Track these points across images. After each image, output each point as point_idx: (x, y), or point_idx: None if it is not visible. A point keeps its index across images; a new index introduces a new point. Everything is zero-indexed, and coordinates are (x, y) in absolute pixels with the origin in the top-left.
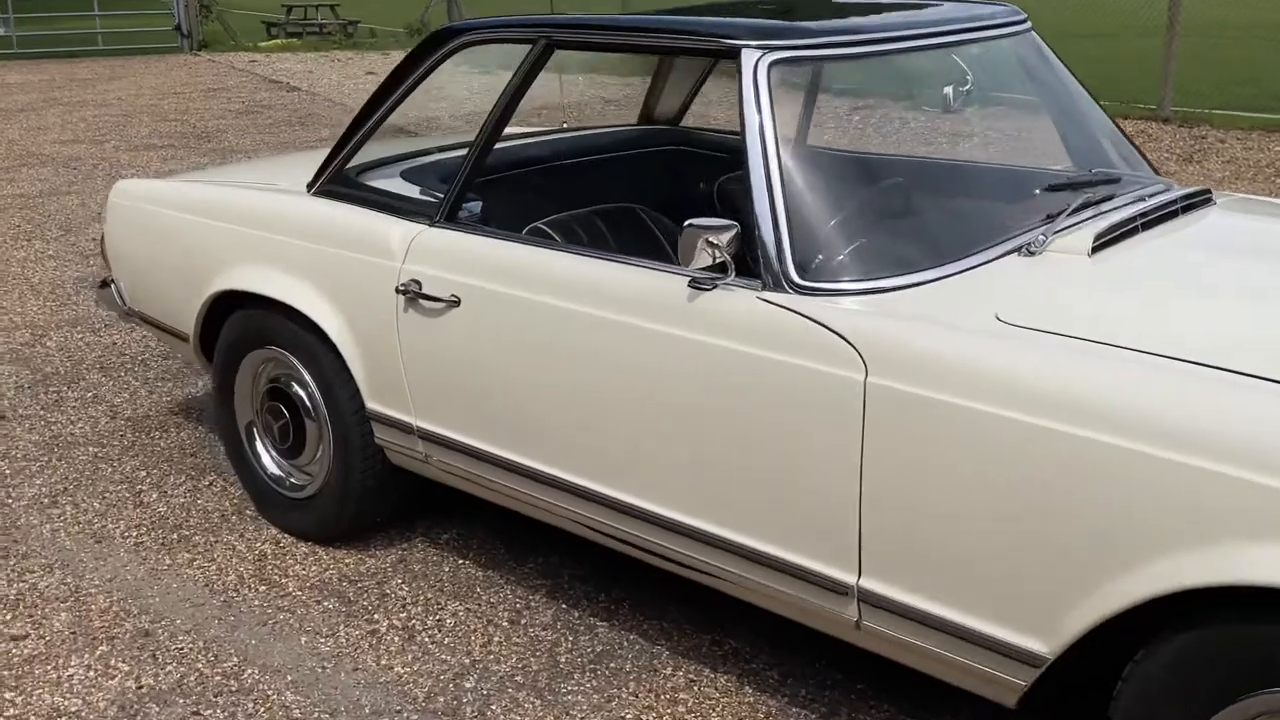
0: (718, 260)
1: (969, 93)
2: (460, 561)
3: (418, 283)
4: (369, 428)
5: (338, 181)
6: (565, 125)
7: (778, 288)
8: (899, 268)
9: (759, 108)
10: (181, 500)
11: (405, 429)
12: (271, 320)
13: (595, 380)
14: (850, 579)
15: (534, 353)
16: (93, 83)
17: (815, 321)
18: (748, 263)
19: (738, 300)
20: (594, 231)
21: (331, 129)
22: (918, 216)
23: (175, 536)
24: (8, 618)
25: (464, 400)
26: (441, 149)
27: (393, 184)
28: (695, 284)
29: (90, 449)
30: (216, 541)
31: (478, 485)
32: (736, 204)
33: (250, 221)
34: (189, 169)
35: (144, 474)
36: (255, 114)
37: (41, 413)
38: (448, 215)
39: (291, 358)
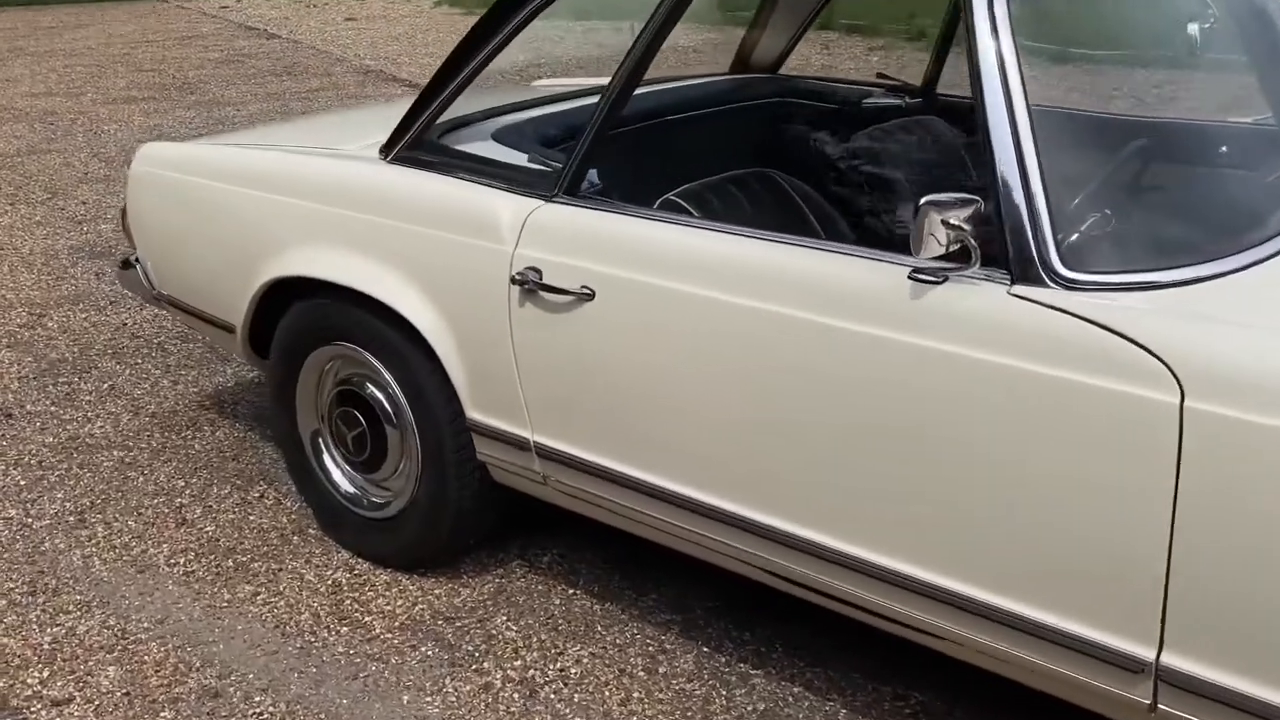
0: (952, 246)
1: (1212, 29)
2: (570, 591)
3: (537, 271)
4: (469, 440)
5: (421, 146)
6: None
7: (1034, 280)
8: (1178, 255)
9: (998, 44)
10: (231, 517)
11: (519, 445)
12: (344, 312)
13: (784, 395)
14: (1148, 654)
15: (697, 359)
16: (59, 31)
17: (1099, 325)
18: (980, 248)
19: (981, 296)
20: (731, 202)
21: (321, 79)
22: (1188, 190)
23: (231, 563)
24: (45, 674)
25: (599, 414)
26: (527, 104)
27: (486, 148)
28: (919, 276)
29: (115, 453)
30: (280, 569)
31: (612, 513)
32: (881, 169)
33: (317, 194)
34: (209, 131)
35: (181, 484)
36: (237, 63)
37: (53, 409)
38: (568, 187)
39: (370, 357)
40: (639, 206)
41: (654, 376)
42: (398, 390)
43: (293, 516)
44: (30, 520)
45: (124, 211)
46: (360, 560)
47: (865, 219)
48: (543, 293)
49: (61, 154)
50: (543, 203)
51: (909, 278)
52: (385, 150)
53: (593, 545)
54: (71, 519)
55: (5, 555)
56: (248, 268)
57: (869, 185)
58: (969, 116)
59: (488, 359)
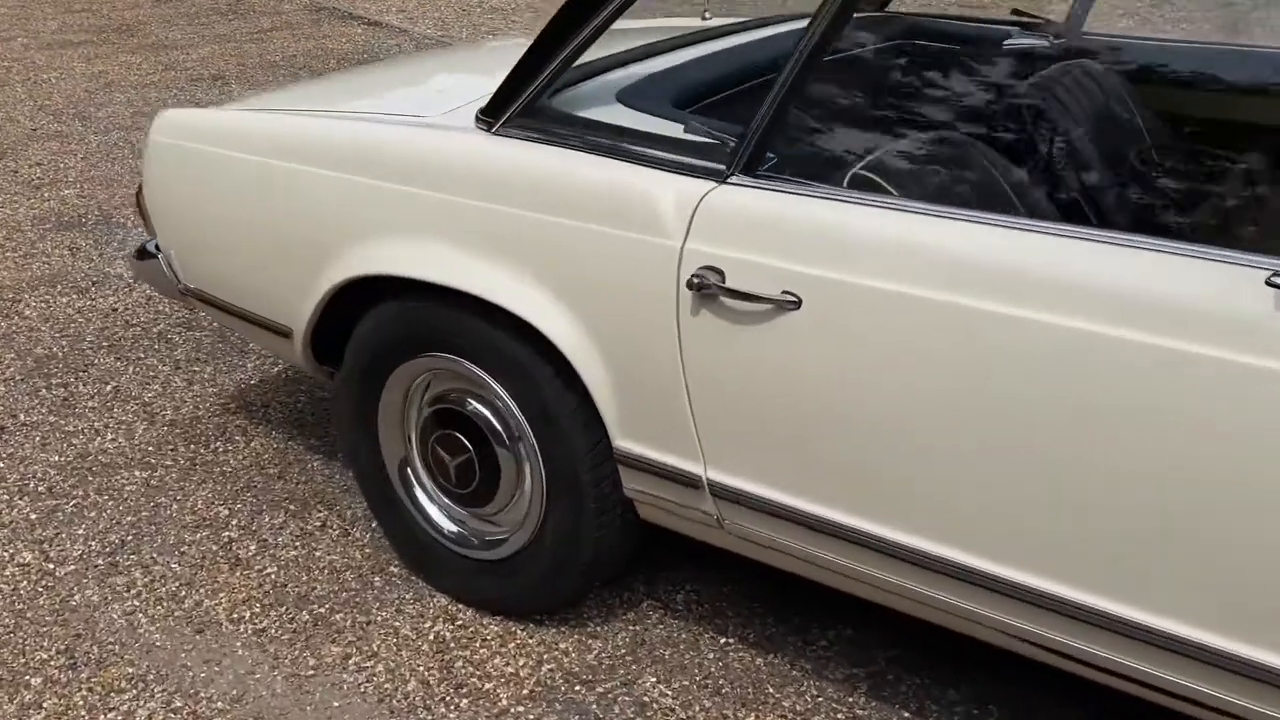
0: None
1: None
2: (722, 640)
3: (718, 272)
4: (612, 472)
5: (538, 114)
6: (707, 15)
7: None
8: None
9: None
10: (293, 553)
11: (686, 482)
12: (445, 318)
13: (1088, 441)
14: None
15: (945, 385)
16: None
17: None
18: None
19: None
20: (924, 175)
21: (271, 18)
22: None
23: (307, 616)
24: None
25: (805, 450)
26: (631, 56)
27: (618, 115)
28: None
29: (136, 473)
30: (368, 621)
31: (808, 564)
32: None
33: (412, 175)
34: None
35: (224, 511)
36: (175, 1)
37: (52, 419)
38: (746, 164)
39: (478, 371)
40: (828, 185)
41: (885, 404)
42: (516, 410)
43: (366, 550)
44: (52, 566)
45: (140, 191)
46: (460, 606)
47: (1058, 191)
48: (726, 299)
49: (1, 108)
50: (715, 184)
51: (1269, 283)
52: (488, 118)
53: (726, 576)
54: (101, 562)
55: (29, 614)
56: (314, 262)
57: (1051, 147)
58: (1126, 61)
59: (646, 378)
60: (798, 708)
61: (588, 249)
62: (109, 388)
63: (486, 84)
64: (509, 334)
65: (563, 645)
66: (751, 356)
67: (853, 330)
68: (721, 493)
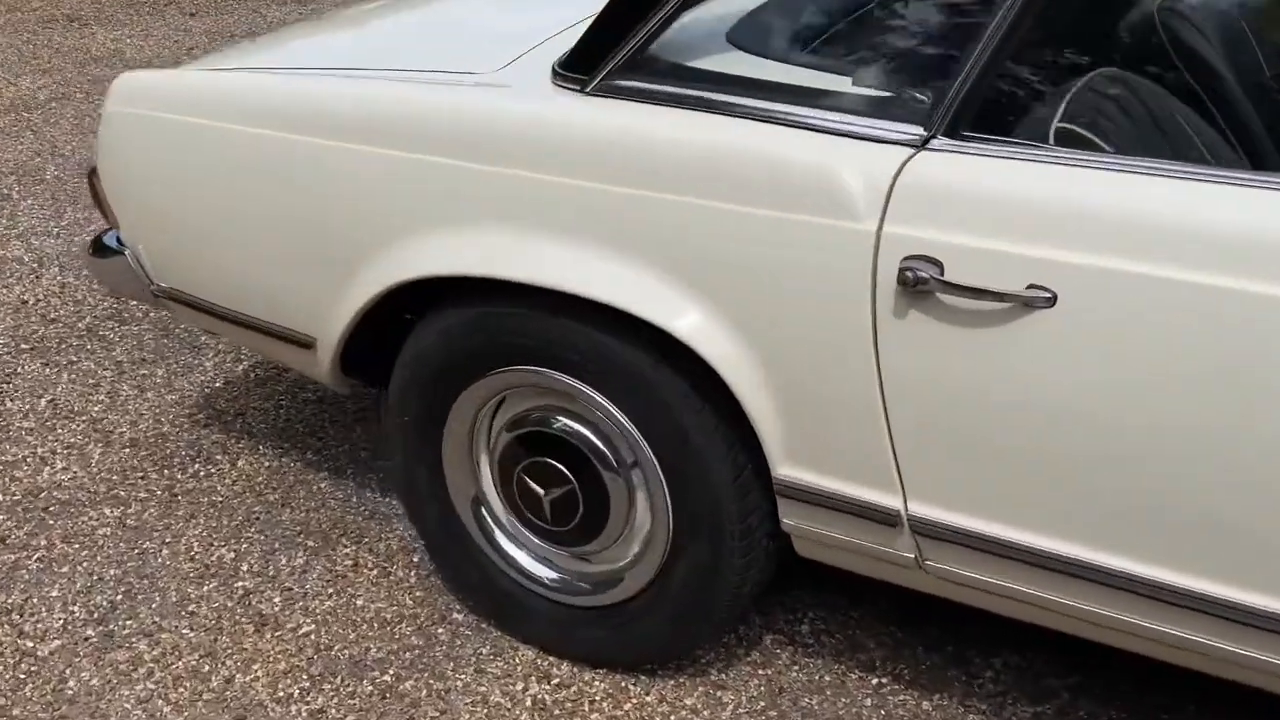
0: None
1: None
2: (876, 681)
3: (935, 263)
4: (762, 503)
5: (644, 68)
6: None
7: None
8: None
9: None
10: (328, 604)
11: (878, 517)
12: (543, 326)
13: None
14: None
15: (1261, 401)
16: None
17: None
18: None
19: None
20: (1127, 126)
21: None
22: None
23: (370, 688)
24: None
25: (1051, 477)
26: None
27: (741, 64)
28: None
29: (105, 511)
30: (446, 689)
31: (1039, 609)
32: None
33: (485, 151)
34: (184, 52)
35: (228, 554)
36: None
37: None
38: (951, 124)
39: (584, 388)
40: (1048, 147)
41: (1159, 419)
42: (633, 431)
43: (417, 594)
44: (31, 644)
45: (93, 173)
46: (553, 660)
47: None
48: (947, 295)
49: None
50: (912, 151)
51: None
52: (578, 75)
53: (848, 596)
54: (92, 634)
55: (17, 712)
56: (352, 260)
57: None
58: None
59: (826, 394)
60: None
61: (744, 239)
62: (44, 402)
63: (532, 28)
64: (629, 343)
65: (689, 702)
66: (982, 365)
67: (1123, 329)
68: (927, 530)
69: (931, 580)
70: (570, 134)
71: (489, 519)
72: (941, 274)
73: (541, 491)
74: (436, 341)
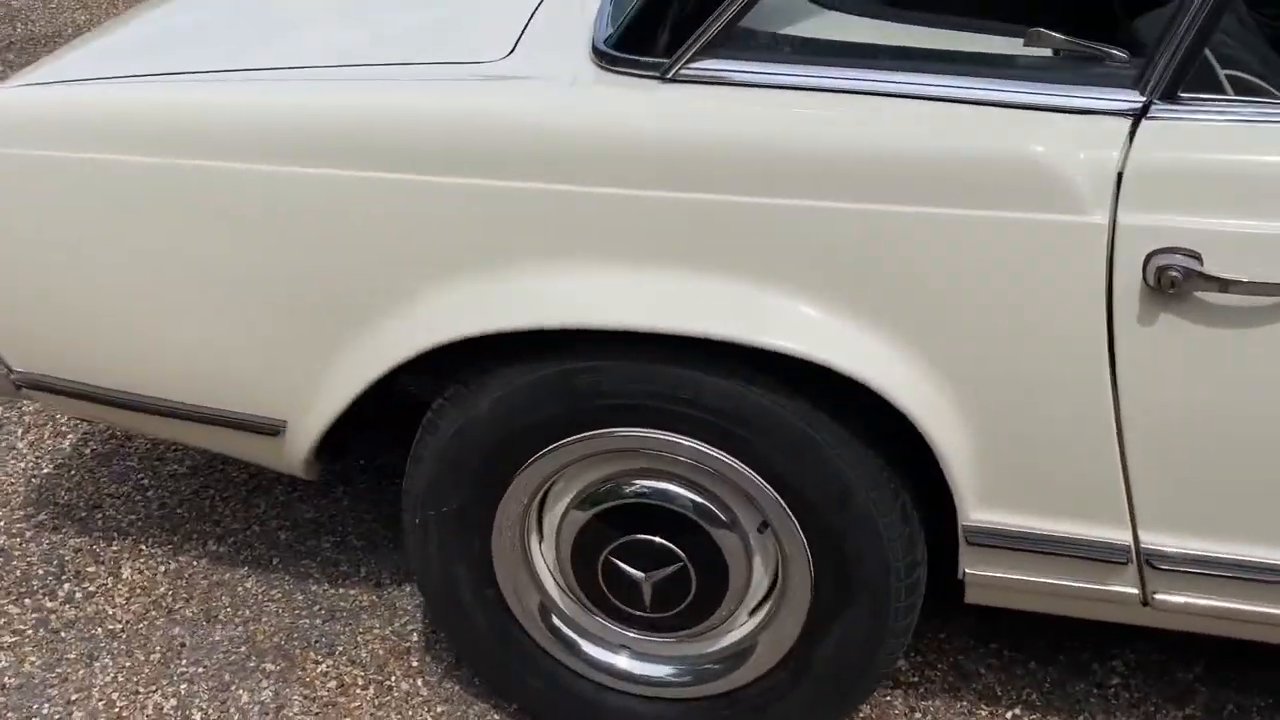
0: None
1: None
2: (1007, 713)
3: (1192, 255)
4: (925, 557)
5: (741, 45)
6: None
7: None
8: None
9: None
10: None
11: (1101, 555)
12: (646, 380)
13: None
14: None
15: None
16: None
17: None
18: None
19: None
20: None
21: None
22: None
23: None
24: None
25: None
26: None
27: (857, 29)
28: None
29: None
30: None
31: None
32: None
33: (538, 167)
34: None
35: (193, 713)
36: None
37: None
38: (1168, 87)
39: (712, 451)
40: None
41: None
42: (767, 490)
43: (438, 708)
44: None
45: None
46: None
47: None
48: (1207, 293)
49: None
50: (1131, 121)
51: None
52: (642, 58)
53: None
54: None
55: None
56: (350, 320)
57: None
58: None
59: (1042, 424)
60: None
61: (932, 250)
62: None
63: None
64: (772, 390)
65: None
66: (1246, 371)
67: None
68: (1161, 562)
69: (1160, 616)
70: (675, 136)
71: (565, 628)
72: (1200, 268)
73: (640, 575)
74: (491, 413)
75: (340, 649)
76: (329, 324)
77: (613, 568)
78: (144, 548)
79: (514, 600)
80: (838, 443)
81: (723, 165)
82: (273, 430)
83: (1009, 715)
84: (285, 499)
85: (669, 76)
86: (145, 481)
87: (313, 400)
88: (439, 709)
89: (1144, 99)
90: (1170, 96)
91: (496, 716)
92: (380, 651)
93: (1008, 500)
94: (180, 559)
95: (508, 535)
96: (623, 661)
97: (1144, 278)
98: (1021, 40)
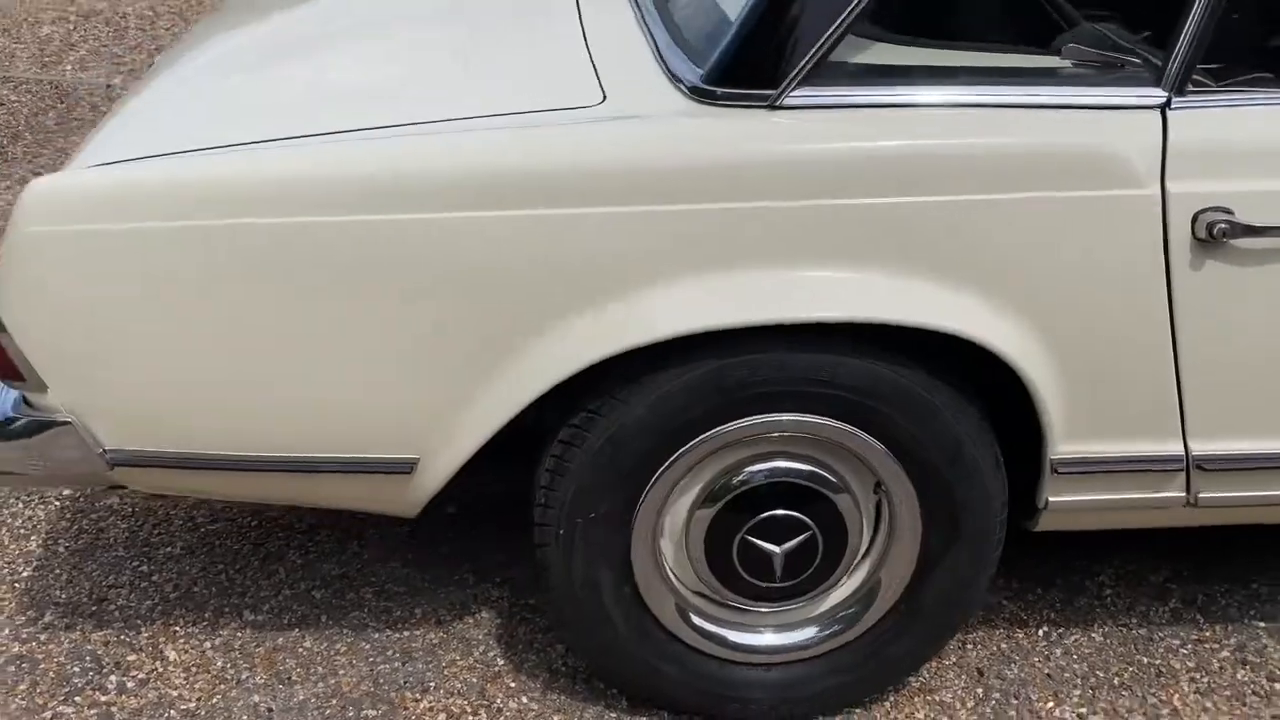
0: None
1: None
2: (1042, 631)
3: (1227, 211)
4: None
5: (830, 74)
6: None
7: None
8: None
9: None
10: None
11: (1159, 466)
12: (792, 366)
13: None
14: None
15: None
16: None
17: None
18: None
19: None
20: None
21: None
22: None
23: None
24: None
25: None
26: None
27: (919, 55)
28: None
29: None
30: None
31: None
32: None
33: (688, 190)
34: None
35: None
36: None
37: None
38: (1180, 82)
39: (834, 423)
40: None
41: None
42: (886, 456)
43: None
44: None
45: None
46: None
47: None
48: (1241, 240)
49: None
50: (1159, 112)
51: None
52: (742, 90)
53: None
54: None
55: None
56: (501, 347)
57: None
58: None
59: (1119, 361)
60: (1194, 675)
61: (1027, 227)
62: None
63: (538, 51)
64: (896, 363)
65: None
66: (1275, 297)
67: None
68: (1206, 464)
69: (1195, 514)
70: (802, 153)
71: (701, 620)
72: (1234, 219)
73: (775, 548)
74: (647, 414)
75: (433, 684)
76: (475, 358)
77: (747, 548)
78: (178, 629)
79: (649, 596)
80: (949, 404)
81: (848, 174)
82: (405, 469)
83: (1039, 633)
84: (302, 561)
85: (776, 105)
86: (144, 568)
87: (452, 434)
88: (555, 719)
89: (1166, 93)
90: (1182, 90)
91: (612, 715)
92: (473, 680)
93: (1087, 431)
94: (223, 633)
95: (643, 535)
96: (771, 638)
97: (1192, 232)
98: (1059, 53)
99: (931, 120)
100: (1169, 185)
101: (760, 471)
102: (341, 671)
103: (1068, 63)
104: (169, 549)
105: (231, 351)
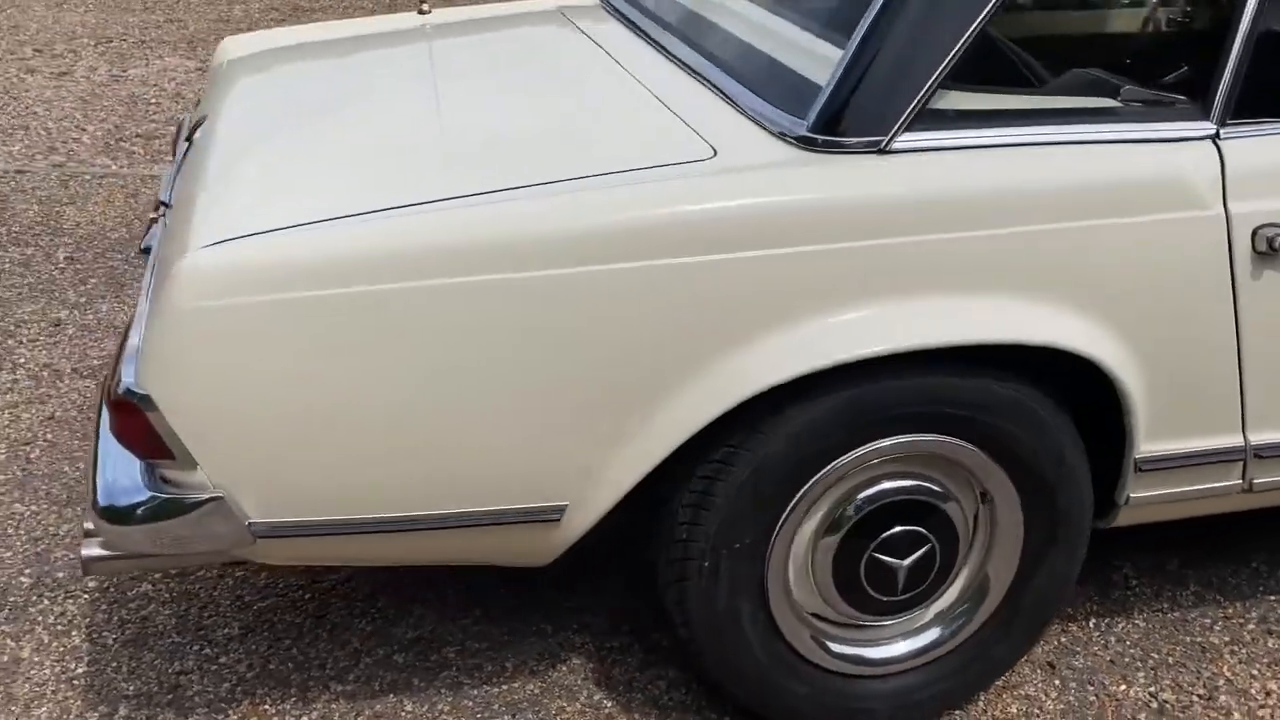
0: None
1: None
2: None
3: (1275, 225)
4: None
5: (931, 118)
6: (425, 8)
7: None
8: None
9: None
10: None
11: (1224, 458)
12: (917, 391)
13: None
14: None
15: None
16: None
17: None
18: None
19: None
20: None
21: None
22: None
23: None
24: None
25: None
26: None
27: (1000, 100)
28: None
29: None
30: None
31: None
32: None
33: (818, 233)
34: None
35: None
36: None
37: None
38: (1222, 114)
39: (951, 440)
40: None
41: None
42: (991, 467)
43: None
44: None
45: (130, 405)
46: None
47: None
48: None
49: None
50: (1212, 141)
51: None
52: (850, 138)
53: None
54: None
55: None
56: (652, 391)
57: None
58: None
59: (1194, 365)
60: (1233, 647)
61: (1117, 250)
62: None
63: (631, 105)
64: (1007, 380)
65: (1014, 710)
66: None
67: None
68: (1264, 452)
69: (1249, 499)
70: (921, 193)
71: (828, 642)
72: None
73: (901, 562)
74: (787, 447)
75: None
76: (627, 403)
77: (875, 565)
78: (268, 707)
79: (781, 621)
80: (1052, 415)
81: (963, 210)
82: (554, 516)
83: (1090, 624)
84: (372, 628)
85: (885, 150)
86: (208, 652)
87: (603, 479)
88: None
89: (1215, 126)
90: (1225, 121)
91: None
92: (612, 706)
93: (1165, 430)
94: (316, 706)
95: (776, 563)
96: (900, 647)
97: (1253, 245)
98: (1118, 94)
99: (1025, 157)
100: (1231, 206)
101: (880, 493)
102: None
103: (1127, 102)
104: (226, 630)
105: (387, 413)
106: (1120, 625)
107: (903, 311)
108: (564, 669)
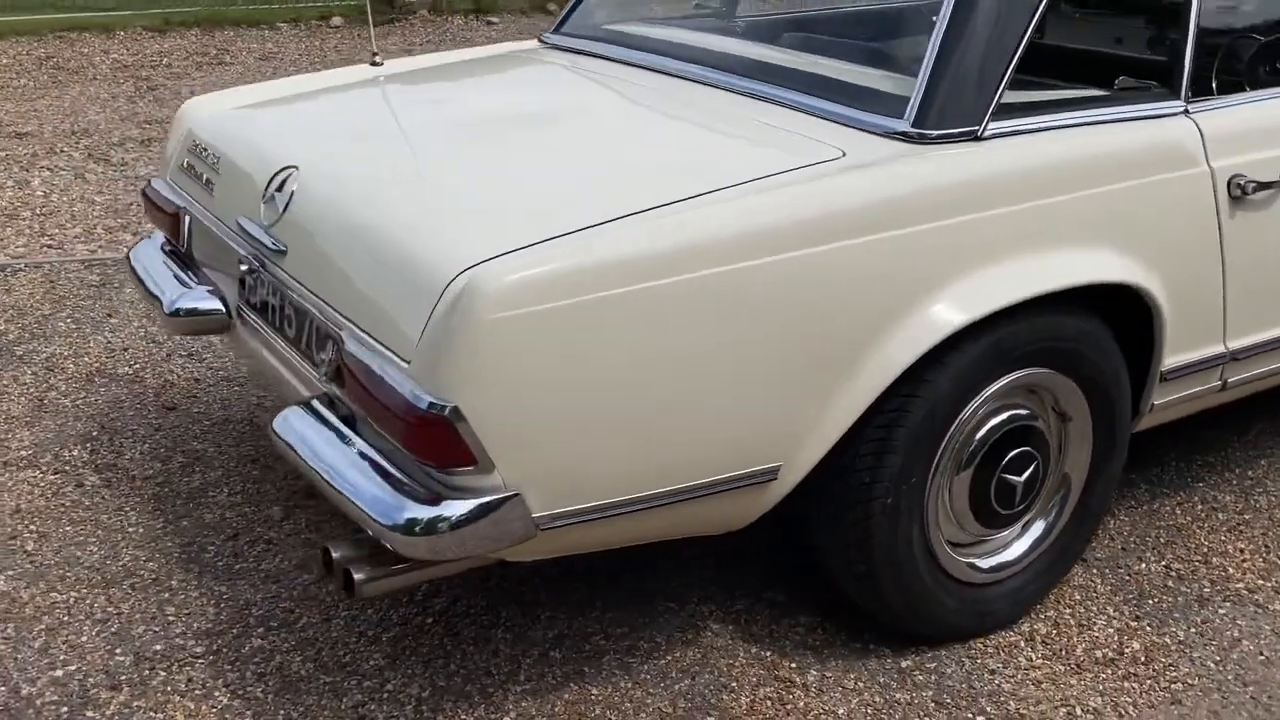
0: None
1: None
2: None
3: (1242, 176)
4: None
5: (1005, 109)
6: (378, 60)
7: None
8: None
9: None
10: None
11: (1211, 365)
12: (1036, 330)
13: None
14: None
15: None
16: None
17: None
18: None
19: None
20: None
21: None
22: None
23: None
24: None
25: None
26: None
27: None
28: None
29: None
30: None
31: None
32: None
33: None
34: None
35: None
36: None
37: None
38: (1188, 92)
39: (1051, 372)
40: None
41: None
42: (1076, 392)
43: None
44: None
45: (440, 421)
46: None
47: None
48: (1256, 194)
49: None
50: (1185, 114)
51: None
52: (950, 130)
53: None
54: None
55: None
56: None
57: None
58: None
59: (1196, 291)
60: (1200, 521)
61: (1154, 202)
62: None
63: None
64: (1087, 317)
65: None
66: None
67: None
68: (1239, 354)
69: (1223, 395)
70: (1023, 168)
71: (963, 559)
72: (1251, 178)
73: (1018, 478)
74: (949, 389)
75: (735, 685)
76: (837, 362)
77: (1002, 484)
78: (462, 715)
79: (935, 545)
80: (1109, 341)
81: (1050, 179)
82: (769, 477)
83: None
84: (511, 637)
85: (979, 137)
86: (368, 684)
87: (809, 437)
88: (849, 679)
89: (1184, 103)
90: (1189, 98)
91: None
92: (763, 672)
93: (1181, 345)
94: (507, 706)
95: (933, 493)
96: (1014, 550)
97: (1229, 192)
98: (1117, 82)
99: (1080, 136)
100: (1212, 162)
101: (999, 424)
102: (649, 701)
103: (1122, 87)
104: (373, 662)
105: (657, 398)
106: (1111, 524)
107: (1026, 265)
108: (709, 634)
